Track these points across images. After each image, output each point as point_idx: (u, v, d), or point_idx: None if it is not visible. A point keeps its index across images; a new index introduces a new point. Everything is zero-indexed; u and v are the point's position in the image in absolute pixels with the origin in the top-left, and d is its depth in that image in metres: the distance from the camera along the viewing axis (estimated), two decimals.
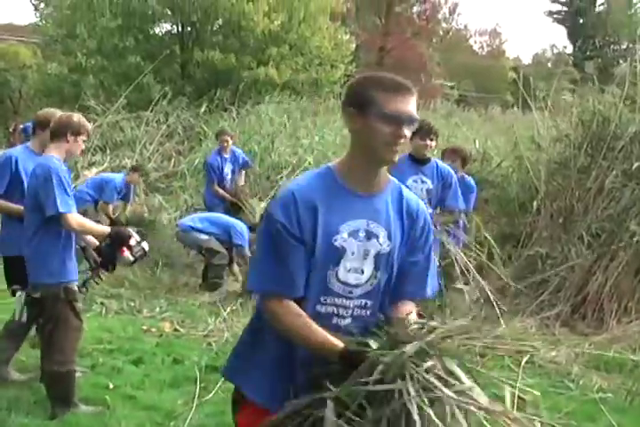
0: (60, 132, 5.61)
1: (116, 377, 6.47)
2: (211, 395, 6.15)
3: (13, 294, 5.95)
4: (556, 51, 63.68)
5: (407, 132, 2.88)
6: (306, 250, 2.90)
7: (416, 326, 2.84)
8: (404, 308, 3.10)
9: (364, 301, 3.03)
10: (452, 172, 7.57)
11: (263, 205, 11.93)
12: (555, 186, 9.75)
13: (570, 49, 60.30)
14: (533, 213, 9.81)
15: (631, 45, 43.03)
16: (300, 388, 2.86)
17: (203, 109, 17.75)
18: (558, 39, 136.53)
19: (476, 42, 69.23)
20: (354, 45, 26.86)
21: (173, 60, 23.07)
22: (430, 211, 6.69)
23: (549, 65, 58.51)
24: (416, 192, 6.05)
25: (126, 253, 5.73)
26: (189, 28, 23.50)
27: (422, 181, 7.30)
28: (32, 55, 37.81)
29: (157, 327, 8.16)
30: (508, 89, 47.59)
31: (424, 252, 3.15)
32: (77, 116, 5.80)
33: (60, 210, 5.28)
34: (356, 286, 3.00)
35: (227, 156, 12.05)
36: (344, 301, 3.00)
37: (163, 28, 24.40)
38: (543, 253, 9.28)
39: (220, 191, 11.88)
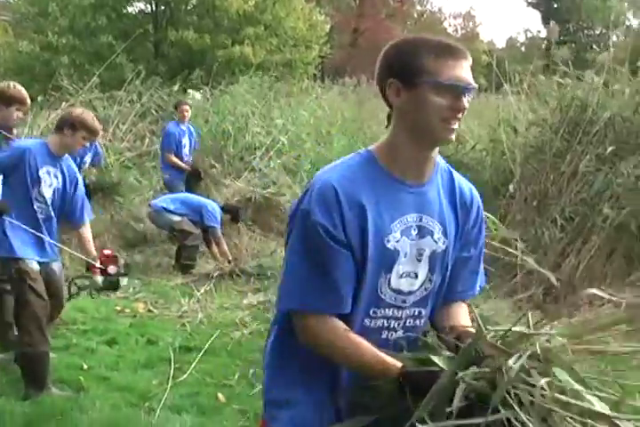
0: (59, 125, 5.69)
1: (90, 358, 6.46)
2: (185, 376, 6.17)
3: None
4: (529, 35, 63.80)
5: (466, 103, 2.38)
6: (354, 257, 2.38)
7: (493, 334, 2.27)
8: (457, 311, 2.67)
9: (417, 309, 2.57)
10: None
11: (240, 185, 11.89)
12: (529, 169, 9.78)
13: (544, 33, 60.44)
14: (507, 197, 9.83)
15: (605, 31, 43.26)
16: (344, 414, 2.44)
17: (176, 88, 17.61)
18: (532, 23, 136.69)
19: (450, 25, 69.24)
20: (328, 26, 26.78)
21: (147, 39, 22.97)
22: None
23: (523, 49, 58.70)
24: None
25: (97, 277, 5.70)
26: (163, 8, 23.39)
27: None
28: (3, 33, 37.46)
29: (131, 308, 8.15)
30: (482, 73, 47.70)
31: (477, 245, 2.69)
32: (80, 112, 5.81)
33: None
34: (410, 292, 2.52)
35: (184, 127, 11.86)
36: (396, 311, 2.52)
37: (136, 7, 24.27)
38: (517, 235, 9.33)
39: (177, 161, 11.66)
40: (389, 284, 2.46)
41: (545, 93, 10.18)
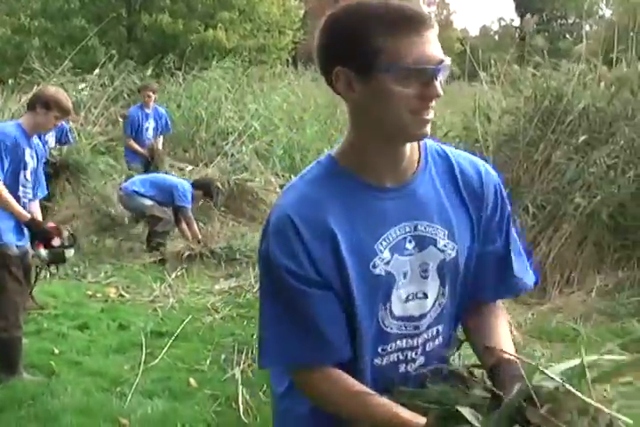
0: (31, 103, 5.63)
1: (62, 343, 6.44)
2: (157, 361, 6.16)
3: None
4: (503, 23, 64.00)
5: (439, 88, 1.86)
6: (336, 295, 1.91)
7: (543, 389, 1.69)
8: (489, 321, 2.17)
9: (434, 329, 2.10)
10: None
11: (209, 170, 11.85)
12: (502, 157, 9.81)
13: (517, 22, 60.64)
14: None
15: (578, 20, 43.42)
16: None
17: (149, 73, 17.51)
18: (506, 12, 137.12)
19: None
20: (302, 12, 26.72)
21: (120, 23, 22.84)
22: None
23: (496, 38, 58.88)
24: None
25: (41, 250, 5.64)
26: None
27: None
28: None
29: (102, 293, 8.12)
30: (455, 60, 47.72)
31: (503, 234, 2.15)
32: (54, 91, 5.77)
33: None
34: (422, 316, 2.05)
35: (148, 111, 11.61)
36: (410, 340, 2.06)
37: None
38: None
39: (135, 146, 11.50)
40: (392, 314, 2.00)
41: (519, 82, 10.21)
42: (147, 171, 11.20)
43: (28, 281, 5.82)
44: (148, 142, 11.48)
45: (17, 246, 5.52)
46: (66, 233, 5.82)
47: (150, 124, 11.52)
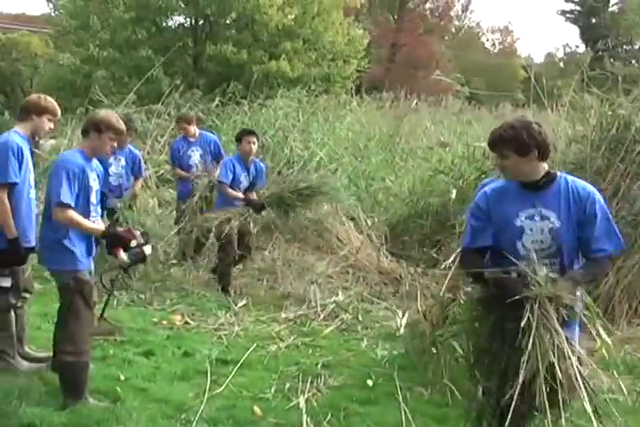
0: (84, 129, 5.77)
1: (127, 369, 6.47)
2: (221, 388, 6.17)
3: None
4: (568, 50, 63.60)
5: None
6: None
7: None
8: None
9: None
10: None
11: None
12: None
13: (582, 48, 60.25)
14: None
15: None
16: None
17: (215, 104, 17.71)
18: (571, 38, 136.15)
19: (488, 40, 69.21)
20: (367, 41, 26.82)
21: (186, 52, 23.11)
22: None
23: (561, 64, 58.48)
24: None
25: (121, 255, 5.69)
26: (203, 22, 23.53)
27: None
28: (44, 46, 37.89)
29: (168, 320, 8.17)
30: (519, 87, 47.54)
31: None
32: (104, 113, 5.90)
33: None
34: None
35: (192, 139, 11.29)
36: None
37: (176, 20, 24.46)
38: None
39: (180, 173, 11.29)
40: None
41: (585, 110, 10.09)
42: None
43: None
44: (194, 170, 11.13)
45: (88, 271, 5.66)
46: (137, 232, 5.86)
47: (195, 152, 11.25)
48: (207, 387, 6.12)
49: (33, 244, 6.15)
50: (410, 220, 11.75)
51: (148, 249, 5.84)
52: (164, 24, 24.39)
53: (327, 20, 24.11)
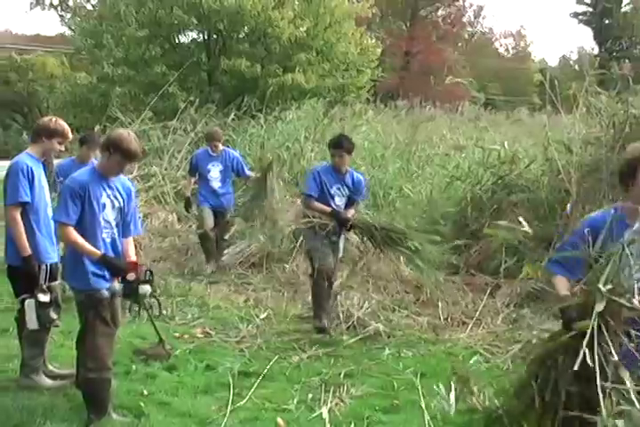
0: (101, 148, 5.83)
1: (150, 384, 6.51)
2: (244, 401, 6.20)
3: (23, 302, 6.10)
4: (582, 52, 63.45)
5: None
6: None
7: None
8: None
9: None
10: None
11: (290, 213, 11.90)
12: (586, 188, 9.68)
13: (596, 50, 60.09)
14: (565, 216, 9.75)
15: None
16: None
17: (231, 118, 17.78)
18: (584, 40, 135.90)
19: (501, 45, 69.14)
20: (380, 50, 26.81)
21: (200, 68, 23.17)
22: None
23: (576, 67, 58.34)
24: None
25: (115, 284, 5.68)
26: (216, 37, 23.57)
27: None
28: (59, 65, 38.19)
29: (190, 334, 8.19)
30: (535, 91, 47.48)
31: None
32: (118, 135, 5.94)
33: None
34: None
35: (214, 154, 11.38)
36: None
37: (189, 36, 24.50)
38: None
39: (188, 184, 11.86)
40: None
41: (598, 111, 10.07)
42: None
43: (117, 319, 5.93)
44: (214, 184, 11.31)
45: (107, 289, 5.67)
46: (143, 268, 5.86)
47: (216, 167, 11.35)
48: (230, 400, 6.15)
49: (55, 260, 6.31)
50: (428, 227, 11.76)
51: (144, 289, 5.80)
52: (178, 40, 24.47)
53: (339, 31, 24.10)
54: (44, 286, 6.11)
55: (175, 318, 8.84)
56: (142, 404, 5.91)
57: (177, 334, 8.14)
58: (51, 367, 6.62)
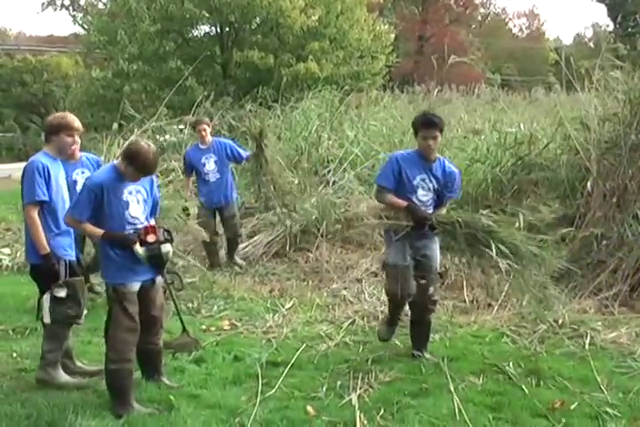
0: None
1: (179, 377, 6.53)
2: (273, 390, 6.21)
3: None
4: (597, 29, 63.01)
5: None
6: None
7: None
8: None
9: None
10: None
11: (313, 200, 11.89)
12: (606, 165, 9.63)
13: (611, 27, 59.62)
14: (586, 194, 9.71)
15: None
16: None
17: (248, 108, 17.76)
18: (598, 17, 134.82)
19: (515, 25, 68.84)
20: (393, 36, 26.74)
21: (214, 61, 23.21)
22: None
23: (591, 44, 57.98)
24: None
25: (137, 248, 5.71)
26: (228, 29, 23.61)
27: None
28: (74, 65, 38.31)
29: (216, 326, 8.22)
30: (551, 71, 47.23)
31: None
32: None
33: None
34: None
35: (204, 146, 11.08)
36: None
37: (201, 30, 24.56)
38: (598, 233, 9.17)
39: (186, 186, 11.43)
40: None
41: (612, 86, 10.01)
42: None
43: (153, 314, 6.05)
44: (212, 176, 11.02)
45: (136, 282, 5.81)
46: (161, 230, 5.90)
47: (210, 159, 11.03)
48: (259, 390, 6.17)
49: (74, 258, 6.38)
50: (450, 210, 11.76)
51: (165, 247, 5.85)
52: (190, 34, 24.51)
53: (351, 18, 24.08)
54: (61, 282, 6.15)
55: (201, 310, 8.86)
56: (172, 397, 5.93)
57: (204, 327, 8.16)
58: (79, 364, 6.66)
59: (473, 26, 58.05)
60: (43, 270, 6.17)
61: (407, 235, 6.70)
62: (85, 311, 6.60)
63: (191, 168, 11.14)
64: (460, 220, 6.63)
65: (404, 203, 6.70)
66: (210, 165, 10.98)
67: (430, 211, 6.85)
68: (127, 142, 6.04)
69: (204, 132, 11.06)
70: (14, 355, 6.61)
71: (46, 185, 6.13)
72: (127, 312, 5.69)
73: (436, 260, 7.04)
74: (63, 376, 6.39)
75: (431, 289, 6.95)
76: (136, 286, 5.80)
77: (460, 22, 52.53)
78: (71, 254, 6.37)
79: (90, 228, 5.69)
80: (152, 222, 6.03)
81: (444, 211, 7.02)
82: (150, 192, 5.97)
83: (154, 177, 6.09)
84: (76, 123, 6.35)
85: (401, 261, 6.81)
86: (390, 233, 6.89)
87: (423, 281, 6.89)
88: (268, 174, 11.85)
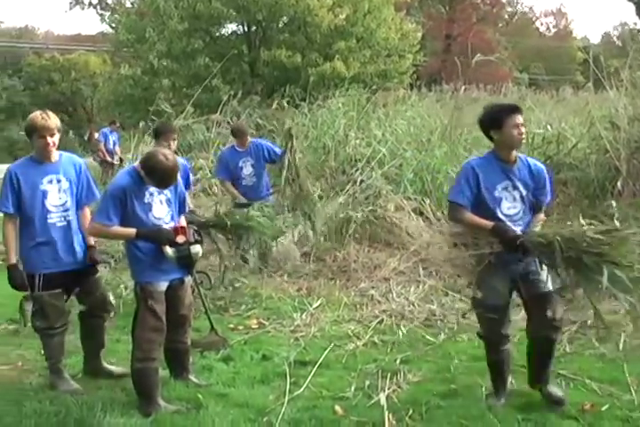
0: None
1: (208, 375, 6.54)
2: (301, 389, 6.18)
3: None
4: (626, 28, 62.55)
5: None
6: None
7: None
8: None
9: None
10: None
11: (340, 199, 11.85)
12: (636, 165, 9.57)
13: (639, 25, 59.22)
14: (616, 194, 9.64)
15: None
16: None
17: (274, 107, 17.79)
18: (626, 16, 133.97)
19: (542, 24, 68.45)
20: (420, 34, 26.69)
21: (241, 59, 23.26)
22: None
23: (619, 43, 57.58)
24: None
25: (166, 250, 5.72)
26: (255, 28, 23.66)
27: None
28: (101, 63, 38.49)
29: (244, 325, 8.22)
30: (579, 70, 46.97)
31: None
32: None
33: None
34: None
35: (241, 150, 10.82)
36: None
37: (229, 28, 24.63)
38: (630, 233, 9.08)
39: (230, 189, 10.91)
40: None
41: None
42: None
43: (181, 313, 6.08)
44: (248, 181, 10.80)
45: (164, 281, 5.83)
46: (191, 231, 5.91)
47: (248, 163, 10.77)
48: (287, 389, 6.14)
49: (69, 268, 6.17)
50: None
51: (195, 248, 5.86)
52: (218, 33, 24.59)
53: (379, 17, 24.06)
54: (28, 295, 6.12)
55: (229, 309, 8.86)
56: (200, 396, 5.93)
57: (231, 326, 8.16)
58: (105, 364, 6.64)
59: (500, 24, 57.80)
60: (11, 280, 6.10)
61: (498, 259, 5.47)
62: (112, 313, 6.66)
63: (228, 171, 10.88)
64: (559, 239, 5.14)
65: (488, 223, 5.42)
66: (247, 168, 10.77)
67: (521, 228, 5.56)
68: (146, 152, 5.90)
69: (244, 142, 10.80)
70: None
71: (16, 195, 5.95)
72: (154, 311, 5.71)
73: (547, 282, 5.59)
74: (63, 385, 6.28)
75: (549, 313, 5.52)
76: (163, 286, 5.82)
77: (487, 21, 52.33)
78: (52, 266, 6.10)
79: (120, 230, 5.68)
80: (182, 222, 6.05)
81: (538, 226, 5.72)
82: (175, 191, 5.96)
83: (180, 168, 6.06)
84: (47, 122, 5.95)
85: (494, 299, 5.59)
86: (488, 267, 5.53)
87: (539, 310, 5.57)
88: (293, 176, 11.76)
